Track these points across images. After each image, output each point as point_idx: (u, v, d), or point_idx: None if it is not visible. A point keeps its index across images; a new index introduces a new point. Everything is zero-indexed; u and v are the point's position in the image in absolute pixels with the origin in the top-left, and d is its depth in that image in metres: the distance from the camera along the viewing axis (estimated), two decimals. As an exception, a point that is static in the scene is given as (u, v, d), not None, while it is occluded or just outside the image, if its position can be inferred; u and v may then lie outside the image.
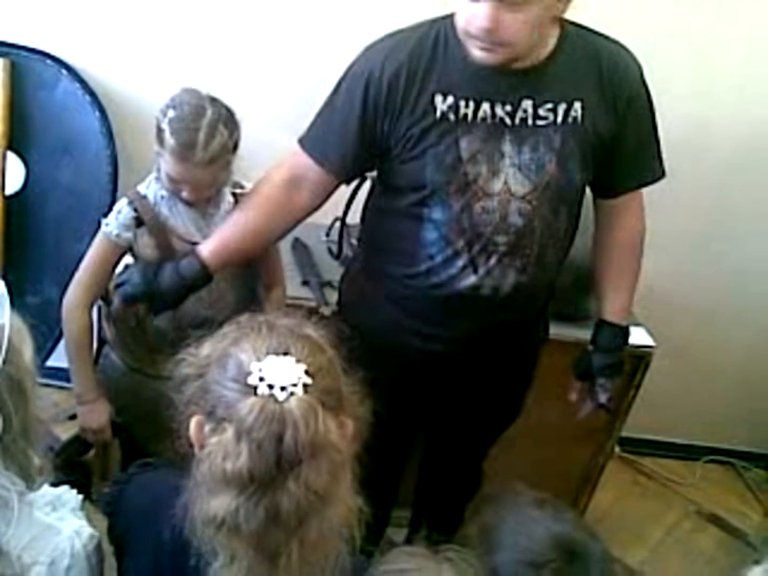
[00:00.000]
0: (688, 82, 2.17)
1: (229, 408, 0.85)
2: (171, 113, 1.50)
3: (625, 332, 1.67)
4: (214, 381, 0.89)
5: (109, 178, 2.12)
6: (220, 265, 1.55)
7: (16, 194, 2.17)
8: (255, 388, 0.85)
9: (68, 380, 1.85)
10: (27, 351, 1.00)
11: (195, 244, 1.59)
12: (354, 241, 2.19)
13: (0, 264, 2.16)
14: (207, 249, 1.54)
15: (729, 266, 2.56)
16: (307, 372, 0.86)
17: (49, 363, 2.25)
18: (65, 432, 2.28)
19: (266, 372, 0.85)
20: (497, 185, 1.42)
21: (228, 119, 1.53)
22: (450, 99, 1.39)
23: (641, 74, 1.48)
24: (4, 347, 0.93)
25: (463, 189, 1.42)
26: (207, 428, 0.88)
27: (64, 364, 1.84)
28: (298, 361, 0.87)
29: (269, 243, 1.66)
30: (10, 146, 2.12)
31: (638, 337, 2.07)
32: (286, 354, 0.87)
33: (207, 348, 0.93)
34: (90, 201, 2.12)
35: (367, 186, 2.12)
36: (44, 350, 2.20)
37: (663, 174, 1.57)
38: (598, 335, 1.66)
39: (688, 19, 2.13)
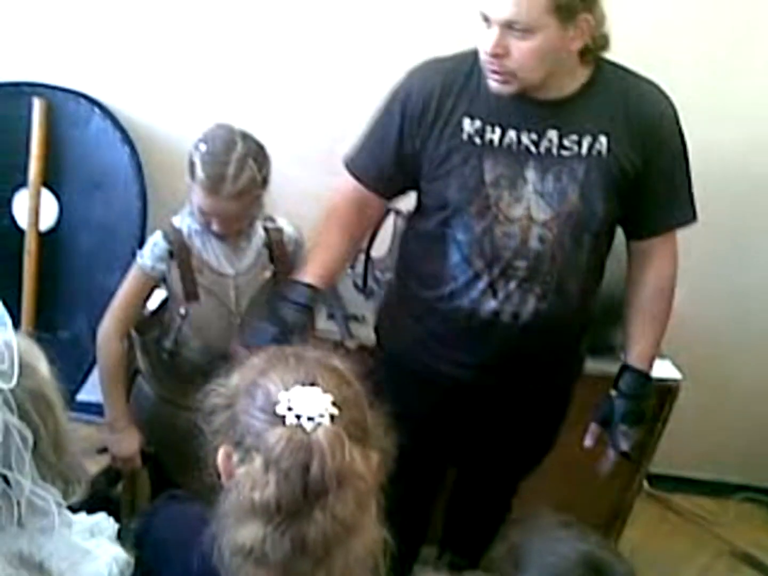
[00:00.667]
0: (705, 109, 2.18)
1: (257, 438, 0.86)
2: (203, 147, 1.54)
3: (650, 380, 1.63)
4: (242, 411, 0.89)
5: (139, 213, 2.17)
6: (325, 287, 1.59)
7: (50, 230, 2.22)
8: (283, 417, 0.86)
9: (98, 414, 1.88)
10: (42, 365, 1.02)
11: (226, 276, 1.64)
12: (378, 274, 2.21)
13: (33, 299, 2.20)
14: (311, 274, 1.55)
15: (757, 297, 2.52)
16: (333, 403, 0.87)
17: (80, 397, 2.28)
18: (94, 466, 2.30)
19: (294, 402, 0.86)
20: (519, 210, 1.45)
21: (258, 154, 1.57)
22: (477, 123, 1.44)
23: (676, 118, 1.49)
24: (16, 361, 0.95)
25: (485, 211, 1.45)
26: (235, 458, 0.88)
27: (94, 399, 1.88)
28: (325, 391, 0.88)
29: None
30: (44, 183, 2.18)
31: (664, 369, 2.05)
32: (313, 384, 0.88)
33: (236, 378, 0.94)
34: (120, 235, 2.17)
35: (391, 220, 2.17)
36: (75, 384, 2.23)
37: (694, 218, 1.57)
38: (622, 380, 1.61)
39: (706, 46, 2.16)
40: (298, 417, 0.85)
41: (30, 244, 2.18)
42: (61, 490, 0.99)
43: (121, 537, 1.20)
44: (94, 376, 2.10)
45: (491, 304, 1.50)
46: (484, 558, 1.09)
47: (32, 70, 2.16)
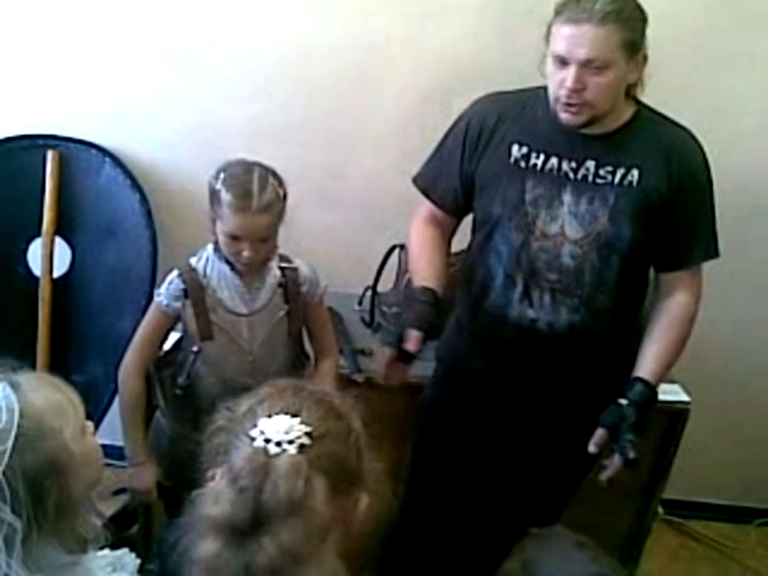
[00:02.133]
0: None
1: (229, 456, 0.90)
2: (222, 175, 1.62)
3: (656, 393, 1.68)
4: (233, 433, 0.93)
5: (150, 256, 2.22)
6: (440, 290, 1.66)
7: (63, 276, 2.28)
8: (254, 439, 0.89)
9: (113, 457, 1.90)
10: (68, 429, 1.01)
11: (239, 315, 1.68)
12: (385, 308, 2.24)
13: (47, 344, 2.25)
14: (426, 279, 1.67)
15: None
16: (309, 434, 0.89)
17: (94, 440, 2.31)
18: (109, 508, 2.32)
19: (267, 427, 0.89)
20: (554, 228, 1.61)
21: (275, 174, 1.65)
22: (524, 149, 1.62)
23: (705, 161, 1.63)
24: (10, 444, 0.96)
25: (523, 227, 1.62)
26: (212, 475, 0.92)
27: (109, 441, 1.90)
28: (304, 422, 0.90)
29: None
30: (58, 231, 2.24)
31: (674, 393, 2.06)
32: (295, 415, 0.91)
33: (242, 405, 0.97)
34: (132, 279, 2.22)
35: (395, 256, 2.21)
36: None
37: (716, 255, 1.68)
38: (633, 390, 1.65)
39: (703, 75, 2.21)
40: (266, 441, 0.88)
41: (44, 291, 2.23)
42: (74, 547, 1.00)
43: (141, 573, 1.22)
44: (110, 420, 2.13)
45: (528, 312, 1.66)
46: (500, 570, 1.09)
47: (45, 123, 2.24)
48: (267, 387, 0.98)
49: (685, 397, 2.10)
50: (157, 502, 1.83)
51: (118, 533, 1.97)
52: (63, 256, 2.27)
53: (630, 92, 1.59)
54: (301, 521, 0.85)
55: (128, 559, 1.07)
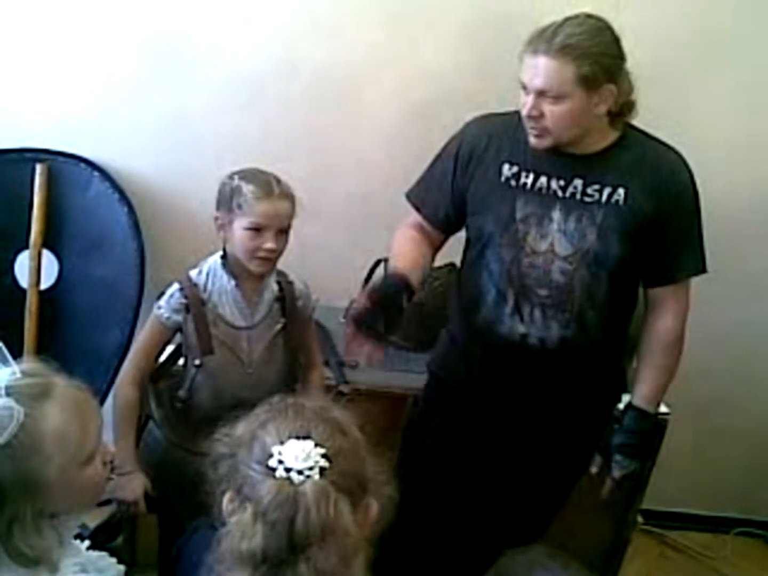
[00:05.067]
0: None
1: (250, 488, 0.90)
2: (236, 176, 1.66)
3: (651, 419, 1.76)
4: (242, 462, 0.94)
5: (137, 270, 2.23)
6: (412, 280, 1.65)
7: (50, 289, 2.28)
8: (274, 470, 0.90)
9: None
10: (57, 458, 1.01)
11: (239, 328, 1.71)
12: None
13: (34, 356, 2.25)
14: (403, 267, 1.68)
15: (755, 331, 2.59)
16: (325, 455, 0.91)
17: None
18: (93, 520, 2.32)
19: (285, 455, 0.90)
20: (544, 245, 1.66)
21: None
22: (515, 168, 1.67)
23: (691, 180, 1.68)
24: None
25: (514, 243, 1.67)
26: (230, 507, 0.93)
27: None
28: (317, 444, 0.91)
29: None
30: (45, 244, 2.25)
31: (652, 405, 2.09)
32: (306, 437, 0.92)
33: (240, 429, 0.98)
34: (119, 292, 2.23)
35: (380, 270, 2.24)
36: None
37: (703, 270, 1.72)
38: (624, 416, 1.75)
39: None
40: (287, 470, 0.89)
41: (31, 304, 2.23)
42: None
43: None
44: (98, 431, 2.14)
45: (519, 327, 1.70)
46: None
47: (33, 136, 2.25)
48: (264, 408, 1.00)
49: (664, 409, 2.14)
50: (143, 513, 1.83)
51: (103, 544, 1.99)
52: (50, 268, 2.28)
53: (616, 119, 1.63)
54: (335, 543, 0.87)
55: (103, 563, 1.07)
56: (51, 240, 2.25)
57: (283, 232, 1.68)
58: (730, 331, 2.58)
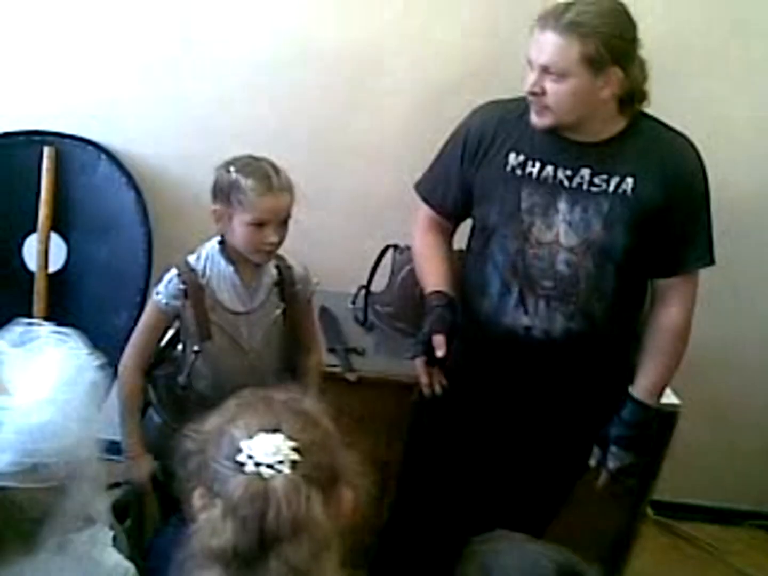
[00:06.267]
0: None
1: (220, 484, 0.89)
2: (233, 167, 1.62)
3: (650, 412, 1.72)
4: (211, 457, 0.92)
5: (144, 254, 2.23)
6: (452, 291, 1.71)
7: (58, 272, 2.28)
8: (244, 465, 0.88)
9: (109, 452, 1.91)
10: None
11: (238, 314, 1.70)
12: (378, 308, 2.26)
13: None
14: (435, 283, 1.72)
15: (758, 318, 2.55)
16: (296, 449, 0.89)
17: (88, 435, 2.32)
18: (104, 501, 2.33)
19: (254, 450, 0.89)
20: (549, 236, 1.62)
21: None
22: (521, 157, 1.63)
23: (702, 170, 1.63)
24: None
25: (519, 234, 1.63)
26: (200, 503, 0.91)
27: (105, 436, 1.90)
28: (288, 437, 0.90)
29: None
30: (54, 227, 2.25)
31: (664, 396, 2.06)
32: (276, 431, 0.90)
33: (208, 424, 0.97)
34: (126, 276, 2.23)
35: (389, 256, 2.22)
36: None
37: (710, 263, 1.68)
38: (623, 407, 1.72)
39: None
40: (257, 465, 0.88)
41: (39, 286, 2.23)
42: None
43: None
44: (104, 415, 2.14)
45: (523, 319, 1.66)
46: (456, 572, 1.10)
47: (41, 119, 2.24)
48: (233, 402, 0.98)
49: (675, 400, 2.11)
50: (151, 495, 1.84)
51: (111, 526, 2.01)
52: (58, 252, 2.27)
53: (625, 107, 1.59)
54: (306, 538, 0.86)
55: (103, 534, 1.07)
56: (59, 223, 2.25)
57: (285, 223, 1.65)
58: (747, 324, 2.54)
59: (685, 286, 1.68)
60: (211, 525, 0.87)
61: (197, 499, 0.92)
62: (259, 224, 1.61)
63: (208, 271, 1.69)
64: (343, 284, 2.34)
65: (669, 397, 2.10)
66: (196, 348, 1.70)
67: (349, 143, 2.32)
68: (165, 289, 1.69)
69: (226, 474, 0.89)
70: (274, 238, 1.63)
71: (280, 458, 0.88)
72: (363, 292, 2.24)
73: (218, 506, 0.87)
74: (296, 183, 2.24)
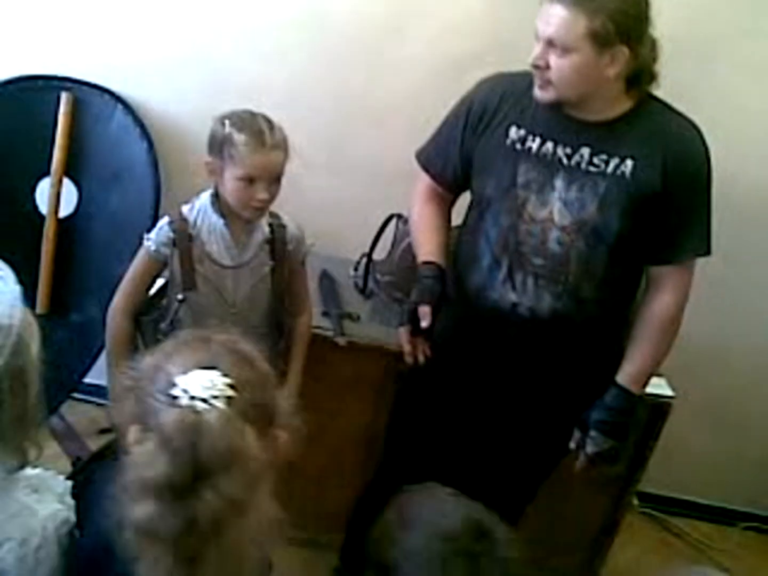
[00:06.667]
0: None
1: (155, 417, 0.90)
2: (228, 121, 1.62)
3: (633, 399, 1.69)
4: (146, 393, 0.93)
5: (152, 205, 2.25)
6: (444, 262, 1.71)
7: (69, 217, 2.32)
8: (178, 399, 0.89)
9: (105, 397, 1.95)
10: (34, 345, 1.05)
11: (225, 267, 1.70)
12: (378, 276, 2.26)
13: (49, 282, 2.30)
14: (428, 253, 1.71)
15: (757, 315, 2.51)
16: (231, 385, 0.90)
17: (87, 380, 2.37)
18: (96, 444, 2.39)
19: (189, 384, 0.90)
20: (543, 213, 1.60)
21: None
22: (522, 132, 1.61)
23: (706, 158, 1.59)
24: (10, 342, 0.99)
25: (513, 209, 1.61)
26: (135, 437, 0.92)
27: (101, 382, 1.94)
28: (224, 374, 0.91)
29: None
30: (67, 173, 2.28)
31: (657, 387, 2.04)
32: (213, 368, 0.92)
33: (144, 362, 0.98)
34: (133, 225, 2.23)
35: (392, 224, 2.22)
36: (83, 366, 2.31)
37: (706, 253, 1.64)
38: (606, 392, 1.70)
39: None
40: (192, 399, 0.89)
41: (48, 230, 2.27)
42: (15, 460, 1.03)
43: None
44: (103, 360, 2.19)
45: (510, 295, 1.65)
46: (378, 520, 1.12)
47: (61, 64, 2.26)
48: (172, 341, 0.99)
49: (668, 392, 2.09)
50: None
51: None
52: (69, 197, 2.30)
53: (632, 88, 1.56)
54: (240, 470, 0.87)
55: (55, 482, 1.09)
56: (72, 169, 2.28)
57: (276, 181, 1.65)
58: (753, 321, 2.50)
59: (679, 275, 1.65)
60: (144, 457, 0.88)
61: (132, 434, 0.93)
62: (250, 180, 1.61)
63: (199, 222, 1.71)
64: (349, 251, 2.35)
65: (663, 389, 2.08)
66: (180, 297, 1.72)
67: (365, 111, 2.31)
68: (156, 236, 1.71)
69: (159, 408, 0.90)
70: (263, 195, 1.63)
71: (215, 393, 0.89)
72: (365, 260, 2.24)
73: (152, 439, 0.89)
74: (310, 149, 2.26)
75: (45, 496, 1.05)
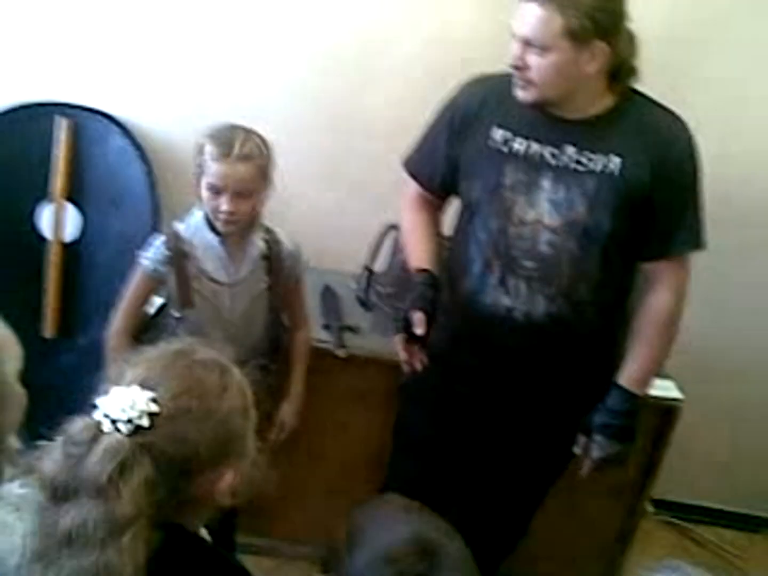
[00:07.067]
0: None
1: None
2: (209, 132, 1.65)
3: (635, 400, 1.66)
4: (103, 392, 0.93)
5: (151, 227, 2.24)
6: (434, 268, 1.71)
7: (74, 242, 2.33)
8: (95, 409, 0.89)
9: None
10: (10, 361, 1.06)
11: (222, 284, 1.71)
12: (380, 288, 2.25)
13: (55, 306, 2.31)
14: (420, 259, 1.71)
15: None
16: (151, 414, 0.87)
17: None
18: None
19: (108, 399, 0.89)
20: (531, 215, 1.58)
21: (260, 137, 1.66)
22: (507, 134, 1.60)
23: (693, 152, 1.58)
24: None
25: (501, 212, 1.59)
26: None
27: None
28: (153, 400, 0.88)
29: None
30: (70, 198, 2.30)
31: (666, 389, 2.01)
32: (151, 389, 0.89)
33: (114, 369, 0.98)
34: (134, 248, 2.23)
35: (391, 236, 2.21)
36: (90, 387, 2.32)
37: (698, 247, 1.62)
38: (608, 395, 1.67)
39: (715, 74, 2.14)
40: (105, 416, 0.88)
41: (53, 255, 2.29)
42: None
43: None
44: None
45: (504, 300, 1.62)
46: (330, 539, 1.11)
47: (57, 90, 2.28)
48: (148, 352, 0.97)
49: (676, 394, 2.05)
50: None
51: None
52: (73, 222, 2.31)
53: (615, 83, 1.54)
54: (102, 506, 0.85)
55: (36, 497, 1.08)
56: (73, 193, 2.29)
57: (243, 195, 1.62)
58: (754, 317, 2.45)
59: (674, 271, 1.62)
60: (49, 448, 0.89)
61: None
62: (216, 191, 1.62)
63: (193, 239, 1.71)
64: (352, 264, 2.34)
65: (671, 391, 2.05)
66: (177, 315, 1.72)
67: (357, 124, 2.32)
68: (152, 255, 1.72)
69: (83, 413, 0.91)
70: (226, 207, 1.62)
71: (128, 417, 0.87)
72: (366, 272, 2.23)
73: (62, 437, 0.89)
74: (305, 163, 2.27)
75: (25, 515, 1.04)
